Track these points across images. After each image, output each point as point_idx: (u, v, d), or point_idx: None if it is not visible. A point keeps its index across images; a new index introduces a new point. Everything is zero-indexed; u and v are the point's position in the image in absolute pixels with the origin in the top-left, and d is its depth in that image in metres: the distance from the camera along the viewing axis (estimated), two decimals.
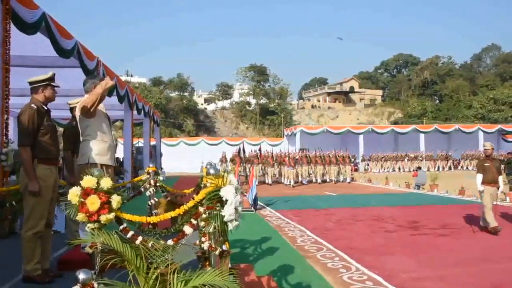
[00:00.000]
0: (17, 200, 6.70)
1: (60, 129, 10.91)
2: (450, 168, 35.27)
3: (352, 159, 27.18)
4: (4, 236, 6.83)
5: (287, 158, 21.50)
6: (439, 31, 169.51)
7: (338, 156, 23.19)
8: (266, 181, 21.80)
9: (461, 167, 35.52)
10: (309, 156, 22.78)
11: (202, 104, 69.73)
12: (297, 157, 22.42)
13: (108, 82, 4.66)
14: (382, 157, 34.93)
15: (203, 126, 61.04)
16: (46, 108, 4.67)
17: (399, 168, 34.53)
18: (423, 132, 37.51)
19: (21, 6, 7.19)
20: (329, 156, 22.98)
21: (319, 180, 22.18)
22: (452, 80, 69.42)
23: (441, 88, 70.05)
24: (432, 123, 45.74)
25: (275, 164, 22.16)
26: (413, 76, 76.07)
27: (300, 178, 21.64)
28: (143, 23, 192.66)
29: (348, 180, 22.92)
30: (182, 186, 11.08)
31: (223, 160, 26.69)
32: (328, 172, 22.69)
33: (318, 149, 23.75)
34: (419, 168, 22.89)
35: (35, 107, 4.49)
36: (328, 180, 22.59)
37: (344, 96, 79.86)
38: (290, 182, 20.66)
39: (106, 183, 2.64)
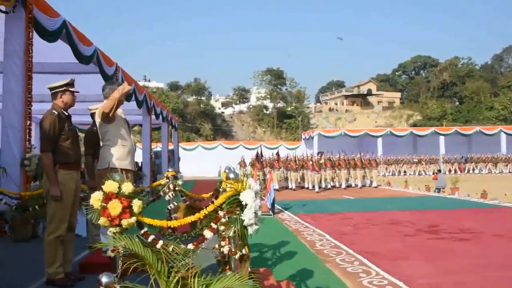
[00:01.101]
0: (39, 205, 6.82)
1: (81, 134, 11.08)
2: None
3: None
4: (27, 240, 6.96)
5: (310, 162, 20.51)
6: (458, 31, 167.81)
7: (364, 159, 22.01)
8: (289, 186, 21.05)
9: (468, 170, 34.24)
10: (332, 159, 21.54)
11: (219, 108, 70.10)
12: (321, 161, 21.08)
13: (125, 87, 4.72)
14: (388, 160, 34.36)
15: (220, 130, 61.28)
16: (67, 113, 4.74)
17: (403, 171, 33.95)
18: (442, 135, 37.06)
19: (43, 15, 7.35)
20: (353, 159, 21.78)
21: (343, 185, 21.13)
22: (472, 81, 68.47)
23: (461, 89, 69.16)
24: (452, 126, 45.16)
25: (298, 168, 21.24)
26: (432, 78, 75.29)
27: (324, 183, 20.48)
28: (160, 28, 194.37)
29: (375, 184, 21.69)
30: (200, 190, 11.13)
31: (241, 164, 26.34)
32: (353, 176, 21.71)
33: (342, 152, 22.66)
34: (439, 171, 22.49)
35: (56, 113, 4.56)
36: (353, 184, 21.61)
37: (362, 99, 79.39)
38: (314, 187, 19.78)
39: (128, 187, 2.69)
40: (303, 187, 21.14)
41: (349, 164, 21.45)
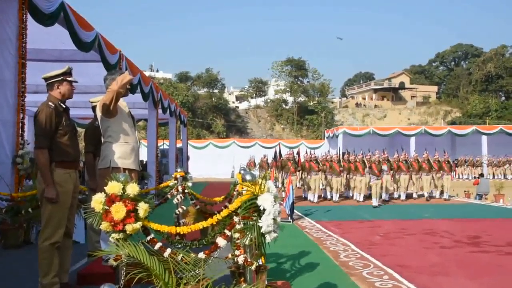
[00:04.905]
0: (33, 207, 6.87)
1: (80, 130, 11.16)
2: None
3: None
4: (19, 246, 7.00)
5: (360, 164, 16.70)
6: (506, 16, 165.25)
7: (432, 160, 18.03)
8: (329, 197, 17.30)
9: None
10: (391, 161, 17.58)
11: (233, 102, 70.17)
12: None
13: (125, 77, 4.67)
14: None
15: (235, 127, 61.35)
16: (64, 106, 4.72)
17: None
18: (485, 134, 36.56)
19: None
20: (417, 160, 18.11)
21: (403, 196, 17.65)
22: None
23: (508, 83, 68.14)
24: (496, 124, 44.50)
25: (343, 171, 17.29)
26: (474, 70, 74.26)
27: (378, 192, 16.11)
28: (169, 14, 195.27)
29: (446, 195, 18.10)
30: (212, 193, 11.16)
31: (263, 165, 25.63)
32: (417, 183, 18.11)
33: (403, 152, 18.83)
34: (481, 175, 22.14)
35: (53, 105, 4.53)
36: (417, 195, 18.12)
37: (393, 93, 78.86)
38: (375, 199, 15.78)
39: (133, 189, 2.69)
40: (347, 197, 18.01)
41: (412, 167, 17.97)
